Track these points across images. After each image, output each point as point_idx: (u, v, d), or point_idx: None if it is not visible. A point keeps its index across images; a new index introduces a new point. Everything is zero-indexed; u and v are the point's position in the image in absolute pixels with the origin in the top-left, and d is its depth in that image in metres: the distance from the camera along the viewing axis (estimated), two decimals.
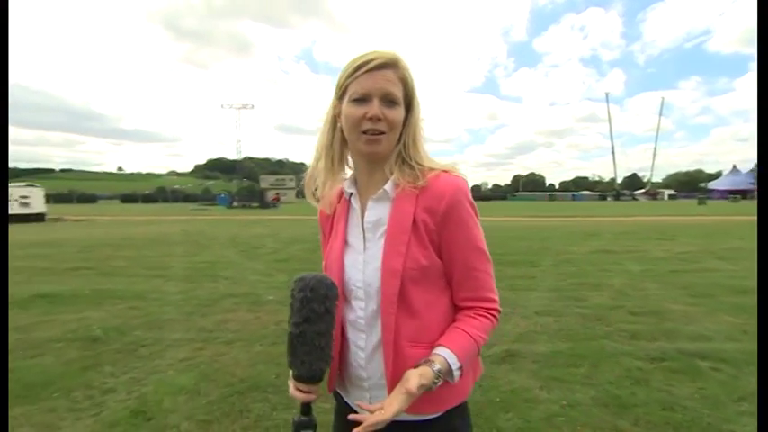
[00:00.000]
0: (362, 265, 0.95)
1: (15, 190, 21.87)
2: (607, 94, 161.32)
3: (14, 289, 5.96)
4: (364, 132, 0.90)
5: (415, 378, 0.83)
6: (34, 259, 8.80)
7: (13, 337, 4.01)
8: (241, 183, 65.34)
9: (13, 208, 20.74)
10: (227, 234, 14.64)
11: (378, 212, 0.96)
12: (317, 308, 0.82)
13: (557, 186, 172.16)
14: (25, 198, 21.88)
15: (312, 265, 7.90)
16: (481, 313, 0.94)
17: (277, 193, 51.06)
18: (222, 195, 63.79)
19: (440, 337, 0.92)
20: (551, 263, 8.19)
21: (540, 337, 3.96)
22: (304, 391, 0.87)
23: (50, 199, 24.03)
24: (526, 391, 2.85)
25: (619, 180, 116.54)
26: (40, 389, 2.93)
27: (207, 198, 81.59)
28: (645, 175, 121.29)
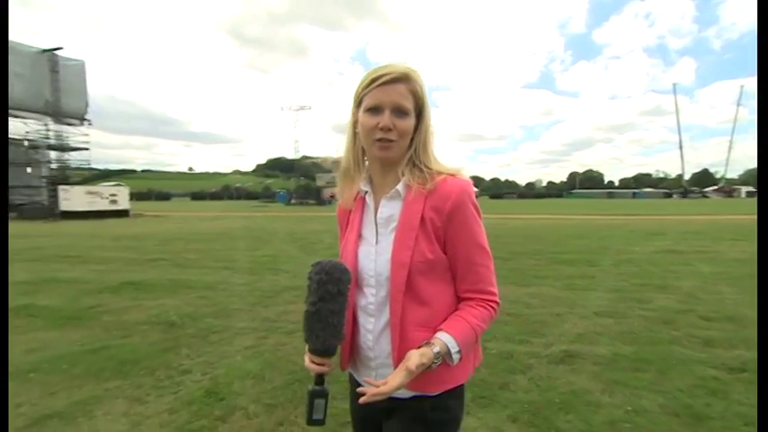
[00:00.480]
0: (374, 255, 1.04)
1: (106, 189, 24.06)
2: (675, 85, 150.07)
3: (107, 276, 6.55)
4: (377, 140, 0.98)
5: (415, 357, 0.92)
6: (122, 251, 9.62)
7: (107, 318, 4.42)
8: (299, 181, 67.44)
9: (104, 205, 22.83)
10: (285, 229, 15.17)
11: (390, 210, 1.04)
12: (332, 289, 0.91)
13: (616, 183, 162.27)
14: (114, 196, 23.97)
15: None
16: (480, 304, 1.02)
17: (333, 191, 52.01)
18: (281, 193, 66.25)
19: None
20: (611, 262, 7.75)
21: (600, 338, 3.76)
22: (318, 364, 0.97)
23: (133, 197, 26.07)
24: (587, 394, 2.73)
25: (687, 176, 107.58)
26: (130, 366, 3.20)
27: (267, 195, 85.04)
28: (718, 170, 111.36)
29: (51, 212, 21.53)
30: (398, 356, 0.98)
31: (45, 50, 24.74)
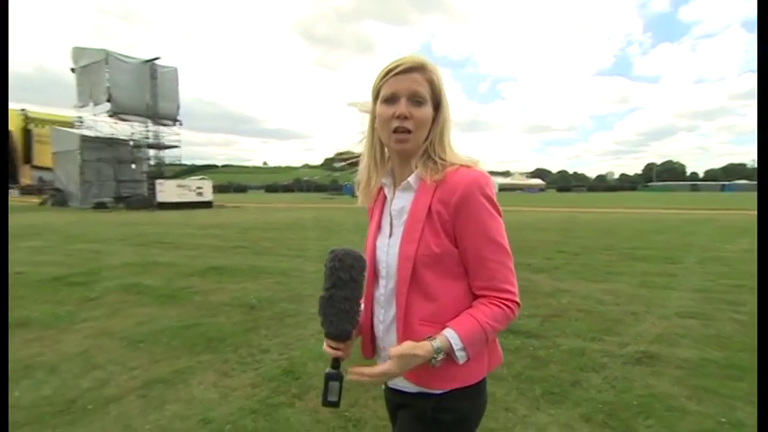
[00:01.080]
0: (387, 248, 1.02)
1: (193, 182, 26.13)
2: None
3: (196, 261, 7.13)
4: (394, 131, 0.95)
5: (405, 347, 0.88)
6: (207, 238, 10.41)
7: (197, 298, 4.82)
8: None
9: (192, 197, 24.85)
10: (352, 221, 15.51)
11: (402, 202, 1.01)
12: (344, 275, 0.90)
13: (701, 175, 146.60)
14: (200, 189, 25.98)
15: None
16: (494, 302, 0.94)
17: None
18: (348, 185, 67.73)
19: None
20: (696, 260, 7.04)
21: (682, 341, 3.44)
22: (333, 348, 0.95)
23: (215, 189, 28.06)
24: (669, 399, 2.51)
25: None
26: (217, 342, 3.47)
27: (334, 188, 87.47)
28: None
29: (150, 203, 23.81)
30: None
31: (146, 61, 27.24)
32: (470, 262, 0.95)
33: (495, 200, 0.96)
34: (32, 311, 4.29)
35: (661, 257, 7.30)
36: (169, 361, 3.13)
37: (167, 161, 29.76)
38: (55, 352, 3.30)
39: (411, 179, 1.00)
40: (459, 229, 0.94)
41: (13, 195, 45.58)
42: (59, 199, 27.21)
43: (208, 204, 25.87)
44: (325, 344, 0.97)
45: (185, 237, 10.72)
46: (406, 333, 0.96)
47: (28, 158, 54.81)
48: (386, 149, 1.06)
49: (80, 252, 8.20)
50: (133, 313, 4.28)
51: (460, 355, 0.90)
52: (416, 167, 0.99)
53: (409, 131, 0.95)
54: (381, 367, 0.88)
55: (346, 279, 0.90)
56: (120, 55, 26.41)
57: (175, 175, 29.32)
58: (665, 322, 3.91)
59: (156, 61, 27.68)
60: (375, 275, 1.06)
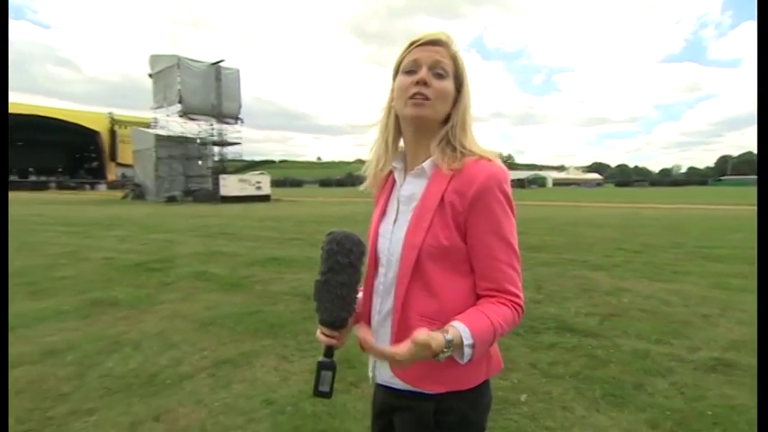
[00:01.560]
0: (390, 235, 0.95)
1: (253, 177, 27.35)
2: None
3: (256, 252, 7.47)
4: (411, 97, 0.88)
5: (423, 334, 0.76)
6: (266, 230, 10.87)
7: (258, 287, 5.05)
8: None
9: (252, 191, 26.03)
10: None
11: (413, 188, 0.94)
12: (342, 260, 0.84)
13: None
14: (259, 183, 27.16)
15: None
16: (503, 302, 0.87)
17: None
18: None
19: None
20: None
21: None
22: (327, 335, 0.89)
23: (273, 184, 29.19)
24: (749, 411, 2.28)
25: None
26: (277, 329, 3.62)
27: None
28: None
29: (214, 197, 25.24)
30: (396, 343, 0.84)
31: (212, 64, 28.83)
32: (479, 260, 0.88)
33: (512, 198, 0.90)
34: (119, 293, 4.71)
35: (738, 257, 6.66)
36: (234, 344, 3.31)
37: (230, 157, 31.37)
38: (138, 330, 3.61)
39: (426, 164, 0.92)
40: (472, 223, 0.87)
41: (101, 190, 50.15)
42: (138, 193, 29.58)
43: (266, 198, 26.97)
44: (318, 331, 0.91)
45: (246, 228, 11.26)
46: (401, 327, 0.89)
47: (113, 156, 60.22)
48: (398, 134, 0.99)
49: (156, 241, 8.87)
50: (202, 298, 4.57)
51: (468, 353, 0.80)
52: (434, 153, 0.91)
53: (428, 98, 0.88)
54: (392, 348, 0.79)
55: (344, 263, 0.84)
56: (190, 60, 28.12)
57: (237, 171, 30.87)
58: (743, 328, 3.56)
59: (221, 64, 29.19)
60: (375, 263, 0.98)
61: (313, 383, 0.90)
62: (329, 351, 0.90)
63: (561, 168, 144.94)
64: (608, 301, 4.42)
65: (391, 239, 0.94)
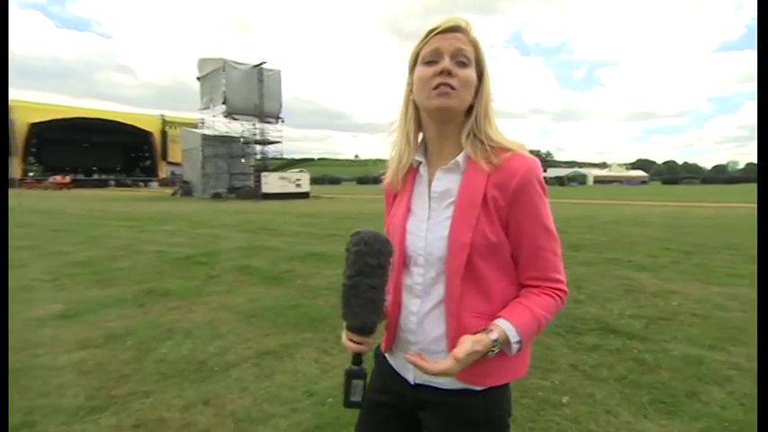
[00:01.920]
0: (425, 233, 0.91)
1: (293, 175, 28.01)
2: None
3: (296, 247, 7.64)
4: (435, 88, 0.85)
5: (467, 344, 0.78)
6: (305, 226, 11.10)
7: (298, 281, 5.17)
8: None
9: (292, 188, 26.66)
10: None
11: (447, 183, 0.91)
12: (371, 261, 0.79)
13: None
14: (298, 181, 27.77)
15: None
16: (546, 292, 0.87)
17: None
18: None
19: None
20: None
21: None
22: (356, 342, 0.85)
23: (312, 181, 29.76)
24: None
25: None
26: (317, 322, 3.69)
27: None
28: None
29: (256, 194, 26.04)
30: (453, 345, 0.84)
31: (254, 66, 29.70)
32: (524, 251, 0.87)
33: (546, 186, 0.89)
34: (171, 284, 4.96)
35: None
36: (276, 336, 3.41)
37: (271, 155, 32.25)
38: (188, 320, 3.78)
39: (460, 159, 0.89)
40: (515, 216, 0.86)
41: (153, 187, 52.97)
42: (186, 190, 31.01)
43: (305, 195, 27.53)
44: (344, 337, 0.87)
45: (286, 224, 11.54)
46: (458, 327, 0.86)
47: (164, 155, 63.54)
48: (418, 127, 0.96)
49: (202, 236, 9.26)
50: (245, 291, 4.73)
51: (515, 348, 0.83)
52: (465, 146, 0.89)
53: (453, 88, 0.84)
54: (442, 365, 0.79)
55: (374, 265, 0.80)
56: (234, 62, 29.08)
57: (277, 169, 31.60)
58: None
59: (263, 65, 30.01)
60: (404, 262, 0.95)
61: (343, 393, 0.85)
62: (358, 358, 0.86)
63: (603, 165, 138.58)
64: (655, 303, 4.19)
65: (427, 237, 0.90)
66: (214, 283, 5.08)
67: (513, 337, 0.81)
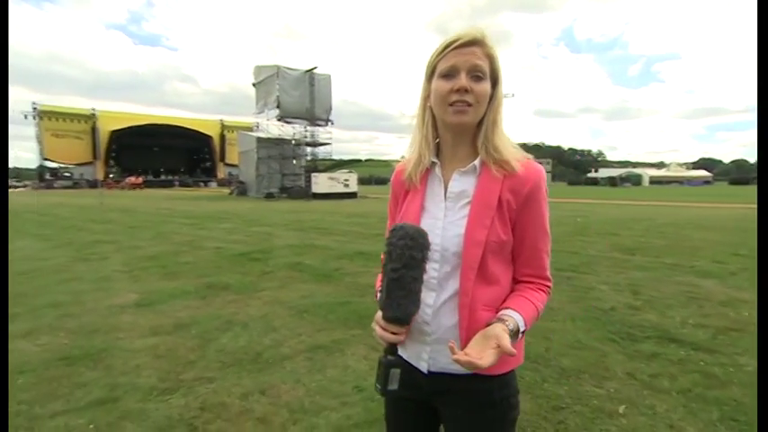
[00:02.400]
0: (441, 230, 0.95)
1: (341, 175, 28.50)
2: None
3: (345, 246, 7.78)
4: (452, 105, 0.90)
5: (506, 337, 0.82)
6: (353, 225, 11.28)
7: (347, 279, 5.26)
8: None
9: (340, 188, 27.16)
10: None
11: (462, 185, 0.96)
12: (416, 255, 0.82)
13: None
14: (347, 181, 28.23)
15: (568, 245, 7.27)
16: (541, 288, 0.97)
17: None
18: None
19: (504, 302, 0.94)
20: None
21: None
22: (394, 333, 0.86)
23: (359, 181, 30.14)
24: None
25: None
26: (366, 320, 3.73)
27: None
28: None
29: (306, 194, 26.79)
30: (466, 335, 0.91)
31: (307, 71, 30.60)
32: (525, 250, 0.96)
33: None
34: (229, 279, 5.23)
35: None
36: (327, 332, 3.49)
37: (320, 157, 33.07)
38: (244, 313, 3.97)
39: (477, 162, 0.95)
40: (522, 218, 0.94)
41: (212, 187, 56.05)
42: (242, 190, 32.50)
43: (353, 195, 27.93)
44: (379, 329, 0.88)
45: (335, 224, 11.78)
46: (471, 318, 0.92)
47: (222, 157, 67.09)
48: (434, 131, 1.00)
49: (257, 233, 9.68)
50: (297, 288, 4.88)
51: (519, 337, 0.90)
52: (480, 152, 0.95)
53: (469, 105, 0.90)
54: (489, 359, 0.80)
55: (419, 259, 0.82)
56: (287, 68, 30.10)
57: (327, 169, 32.34)
58: None
59: (314, 70, 30.82)
60: None
61: (379, 383, 0.86)
62: (394, 348, 0.88)
63: (660, 165, 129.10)
64: (723, 312, 3.85)
65: (443, 235, 0.95)
66: (268, 279, 5.29)
67: (522, 327, 0.89)
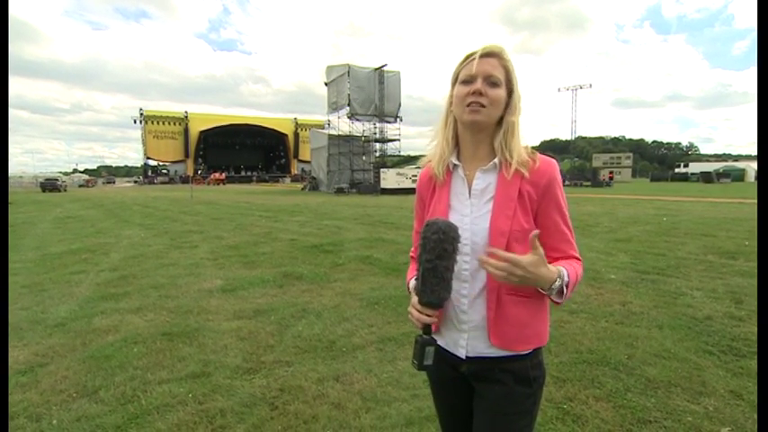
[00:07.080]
0: (469, 225, 1.03)
1: (409, 171, 28.60)
2: None
3: (412, 240, 7.81)
4: (468, 105, 1.00)
5: (543, 263, 0.90)
6: (410, 219, 11.26)
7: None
8: (573, 162, 62.54)
9: (408, 183, 27.25)
10: None
11: (485, 181, 1.05)
12: (448, 247, 0.91)
13: None
14: (414, 176, 28.23)
15: (652, 246, 6.62)
16: (577, 261, 1.04)
17: (611, 172, 45.70)
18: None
19: (530, 288, 0.98)
20: None
21: None
22: (429, 315, 0.96)
23: None
24: None
25: None
26: None
27: None
28: None
29: (375, 189, 27.29)
30: (495, 318, 1.01)
31: (376, 69, 31.10)
32: (549, 235, 1.02)
33: None
34: (303, 270, 5.52)
35: None
36: (397, 324, 3.55)
37: (389, 152, 33.45)
38: (318, 302, 4.17)
39: (496, 161, 1.04)
40: (543, 207, 1.02)
41: (286, 182, 59.28)
42: (313, 185, 33.99)
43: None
44: (415, 313, 0.99)
45: (403, 218, 11.87)
46: (498, 304, 1.01)
47: (296, 154, 70.75)
48: (455, 133, 1.10)
49: (328, 227, 10.07)
50: (367, 280, 5.01)
51: (563, 290, 0.95)
52: (498, 152, 1.04)
53: (483, 106, 1.00)
54: (516, 256, 0.89)
55: (450, 250, 0.92)
56: (358, 66, 30.80)
57: (395, 165, 32.65)
58: None
59: (383, 68, 31.18)
60: None
61: (416, 359, 0.98)
62: (428, 329, 0.99)
63: None
64: None
65: (472, 229, 1.03)
66: (339, 271, 5.49)
67: (564, 278, 0.95)
